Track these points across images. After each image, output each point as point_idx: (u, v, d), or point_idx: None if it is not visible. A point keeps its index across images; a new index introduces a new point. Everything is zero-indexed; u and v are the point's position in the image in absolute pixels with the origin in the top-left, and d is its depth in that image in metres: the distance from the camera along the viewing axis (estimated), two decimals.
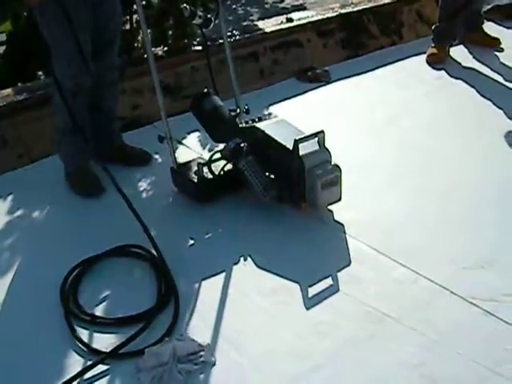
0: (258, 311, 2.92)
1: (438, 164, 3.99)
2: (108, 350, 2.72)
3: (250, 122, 3.79)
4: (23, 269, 3.35)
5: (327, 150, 3.50)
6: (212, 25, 3.78)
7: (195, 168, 3.74)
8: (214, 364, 2.65)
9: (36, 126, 4.44)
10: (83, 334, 2.85)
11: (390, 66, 5.52)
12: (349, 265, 3.18)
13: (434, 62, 5.48)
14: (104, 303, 3.05)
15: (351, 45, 6.08)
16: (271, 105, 4.72)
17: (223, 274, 3.19)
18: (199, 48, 5.17)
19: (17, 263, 3.41)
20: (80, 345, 2.78)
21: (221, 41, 5.32)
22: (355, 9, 6.32)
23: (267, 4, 12.28)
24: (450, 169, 3.93)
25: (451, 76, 5.25)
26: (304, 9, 10.02)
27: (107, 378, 2.64)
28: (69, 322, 2.91)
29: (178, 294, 3.01)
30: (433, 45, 5.59)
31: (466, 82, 5.08)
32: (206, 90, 3.85)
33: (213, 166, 3.74)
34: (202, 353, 2.67)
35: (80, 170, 3.93)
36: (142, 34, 3.82)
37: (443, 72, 5.34)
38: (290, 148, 3.43)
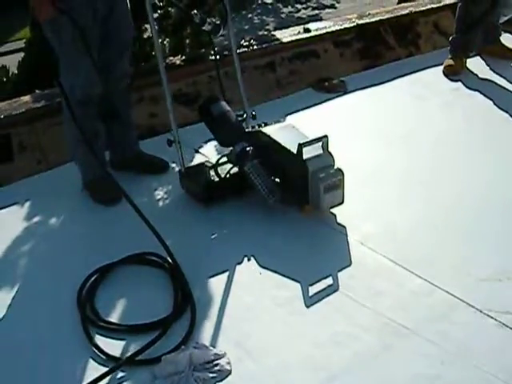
0: (274, 321, 2.92)
1: (454, 176, 3.98)
2: (124, 357, 2.73)
3: (257, 126, 3.86)
4: (40, 275, 3.37)
5: (330, 154, 3.55)
6: (221, 32, 3.85)
7: (202, 171, 3.85)
8: (230, 373, 2.65)
9: (54, 133, 4.45)
10: (100, 340, 2.86)
11: (406, 77, 5.51)
12: (365, 275, 3.17)
13: (451, 74, 5.47)
14: (120, 310, 3.06)
15: (368, 55, 6.07)
16: (288, 115, 4.71)
17: (239, 283, 3.20)
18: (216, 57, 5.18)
19: (34, 269, 3.44)
20: (96, 351, 2.80)
21: (239, 50, 5.38)
22: (372, 19, 6.31)
23: (283, 14, 12.32)
24: (467, 181, 3.91)
25: (468, 88, 5.23)
26: (320, 19, 10.05)
27: None
28: (85, 328, 2.92)
29: (195, 302, 3.01)
30: (450, 56, 5.58)
31: (483, 94, 5.06)
32: (213, 96, 3.95)
33: (219, 169, 3.84)
34: (218, 361, 2.67)
35: (98, 179, 3.93)
36: (154, 44, 3.85)
37: (460, 84, 5.32)
38: (295, 152, 3.49)
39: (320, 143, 3.53)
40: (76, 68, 3.67)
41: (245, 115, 4.03)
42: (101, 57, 3.74)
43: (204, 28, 3.83)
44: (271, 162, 3.68)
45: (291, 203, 3.67)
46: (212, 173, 3.82)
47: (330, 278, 3.15)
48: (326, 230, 3.55)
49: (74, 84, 3.69)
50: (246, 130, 3.93)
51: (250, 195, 3.72)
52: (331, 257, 3.35)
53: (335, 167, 3.53)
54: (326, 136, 3.52)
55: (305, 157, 3.48)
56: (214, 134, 3.93)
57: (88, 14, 3.60)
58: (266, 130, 3.75)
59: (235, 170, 3.79)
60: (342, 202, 3.57)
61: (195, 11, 3.80)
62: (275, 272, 3.23)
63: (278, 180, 3.69)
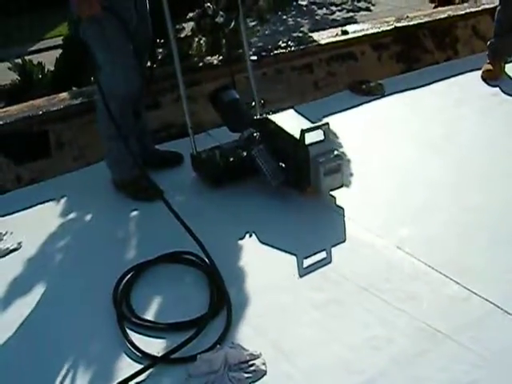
0: (310, 323, 2.90)
1: (493, 182, 3.93)
2: (160, 355, 2.74)
3: (265, 114, 4.04)
4: (76, 272, 3.39)
5: (331, 140, 3.75)
6: (232, 24, 3.97)
7: (212, 155, 4.07)
8: (265, 374, 2.64)
9: (92, 130, 4.47)
10: (135, 337, 2.87)
11: (444, 81, 5.47)
12: (401, 279, 3.15)
13: (489, 79, 5.42)
14: (156, 308, 3.07)
15: (406, 59, 6.06)
16: (325, 116, 4.68)
17: (275, 283, 3.18)
18: (254, 58, 5.19)
19: (69, 266, 3.47)
20: (132, 348, 2.80)
21: (276, 51, 5.39)
22: (411, 23, 6.29)
23: (318, 16, 12.30)
24: (502, 186, 3.86)
25: (506, 93, 5.18)
26: (355, 22, 10.03)
27: (158, 382, 2.65)
28: (121, 325, 2.93)
29: (231, 301, 3.02)
30: (488, 61, 5.53)
31: None
32: (225, 84, 4.20)
33: (228, 153, 4.05)
34: (253, 362, 2.67)
35: (134, 177, 3.95)
36: (172, 46, 3.89)
37: (498, 88, 5.27)
38: (298, 138, 3.66)
39: (322, 130, 3.68)
40: (120, 64, 3.68)
41: (254, 103, 4.25)
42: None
43: (216, 20, 3.96)
44: (276, 146, 3.87)
45: (293, 186, 3.82)
46: (221, 157, 4.03)
47: (365, 280, 3.13)
48: (363, 236, 3.54)
49: (118, 80, 3.69)
50: (255, 117, 4.13)
51: (256, 179, 3.87)
52: (367, 256, 3.34)
53: (335, 152, 3.70)
54: (327, 123, 3.71)
55: (307, 142, 3.65)
56: (223, 120, 4.15)
57: (130, 6, 3.64)
58: (273, 117, 3.93)
59: (243, 154, 3.97)
60: (342, 186, 3.76)
61: (208, 4, 3.93)
62: (311, 273, 3.23)
63: (282, 164, 3.85)
